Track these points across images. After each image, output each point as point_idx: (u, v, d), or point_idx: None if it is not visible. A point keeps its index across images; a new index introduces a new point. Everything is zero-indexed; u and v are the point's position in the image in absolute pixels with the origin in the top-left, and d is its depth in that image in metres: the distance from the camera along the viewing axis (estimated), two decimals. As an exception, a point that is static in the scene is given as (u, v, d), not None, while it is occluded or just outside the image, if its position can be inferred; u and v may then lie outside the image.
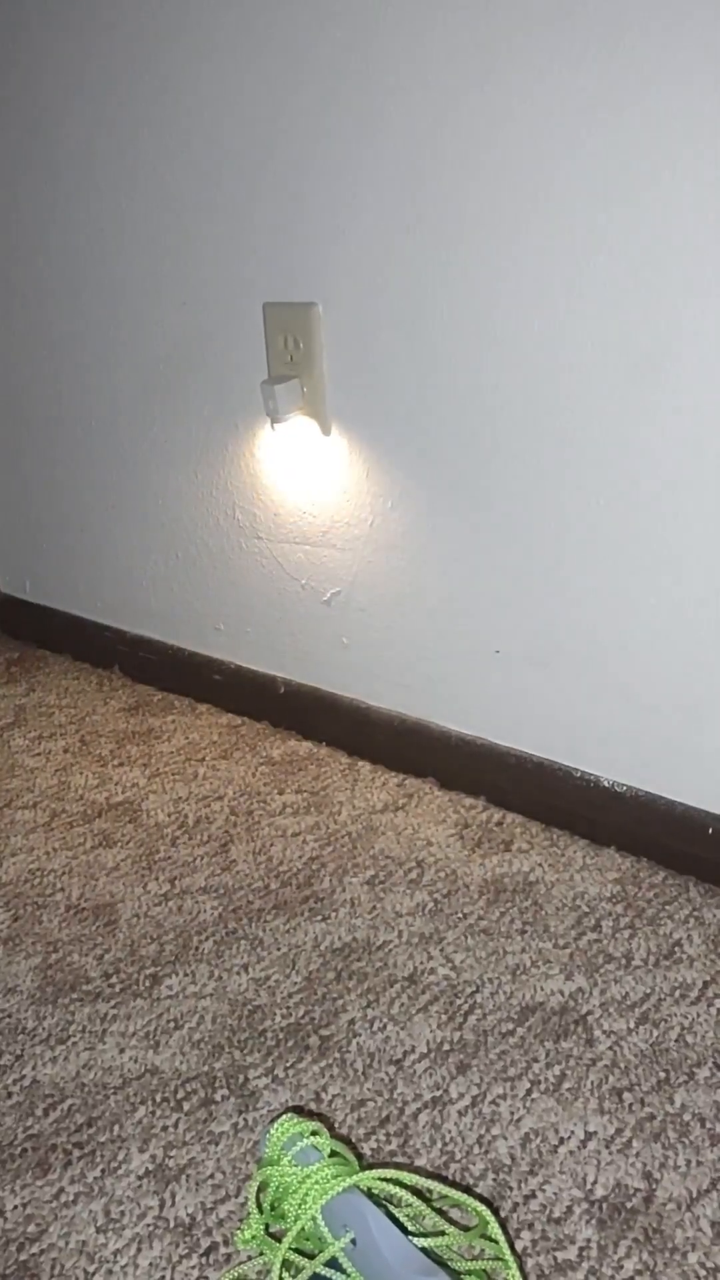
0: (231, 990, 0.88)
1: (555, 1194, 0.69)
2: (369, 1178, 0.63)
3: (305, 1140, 0.65)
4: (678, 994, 0.85)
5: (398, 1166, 0.71)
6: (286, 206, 1.12)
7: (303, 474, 1.21)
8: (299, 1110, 0.76)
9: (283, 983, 0.89)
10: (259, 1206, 0.66)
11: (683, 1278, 0.63)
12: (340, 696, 1.25)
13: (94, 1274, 0.65)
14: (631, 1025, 0.82)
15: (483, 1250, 0.64)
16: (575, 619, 1.02)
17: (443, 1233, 0.64)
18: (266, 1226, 0.66)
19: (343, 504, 1.18)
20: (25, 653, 1.62)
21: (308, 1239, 0.63)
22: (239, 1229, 0.66)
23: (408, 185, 1.02)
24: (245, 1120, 0.75)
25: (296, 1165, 0.64)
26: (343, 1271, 0.60)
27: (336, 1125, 0.75)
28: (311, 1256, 0.62)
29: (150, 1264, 0.65)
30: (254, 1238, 0.65)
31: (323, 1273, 0.61)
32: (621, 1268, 0.64)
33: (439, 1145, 0.73)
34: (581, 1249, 0.65)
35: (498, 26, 0.92)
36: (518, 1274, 0.61)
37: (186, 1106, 0.77)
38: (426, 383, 1.07)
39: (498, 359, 1.01)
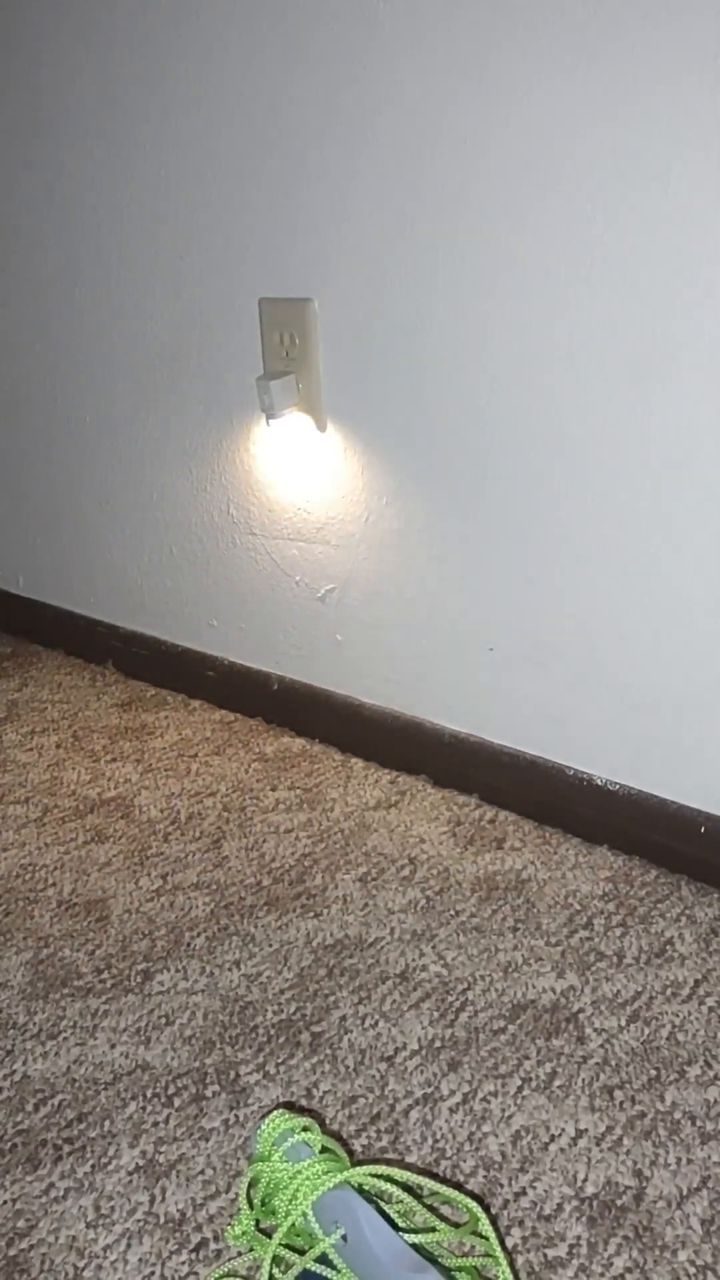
0: (223, 986, 0.88)
1: (546, 1191, 0.69)
2: (360, 1174, 0.63)
3: (296, 1136, 0.65)
4: (669, 992, 0.85)
5: (389, 1163, 0.71)
6: (283, 202, 1.12)
7: (298, 470, 1.21)
8: (290, 1106, 0.76)
9: (274, 979, 0.89)
10: (249, 1202, 0.66)
11: (672, 1275, 0.63)
12: (334, 693, 1.25)
13: (84, 1269, 0.65)
14: (623, 1023, 0.82)
15: (473, 1247, 0.64)
16: (569, 617, 1.02)
17: (433, 1229, 0.64)
18: (257, 1222, 0.65)
19: (338, 500, 1.18)
20: (18, 648, 1.62)
21: (298, 1235, 0.63)
22: (229, 1225, 0.66)
23: (405, 181, 1.02)
24: (236, 1116, 0.75)
25: (287, 1161, 0.64)
26: (333, 1267, 0.60)
27: (327, 1121, 0.75)
28: (302, 1252, 0.62)
29: (140, 1259, 0.65)
30: (244, 1233, 0.65)
31: (313, 1269, 0.61)
32: (611, 1265, 0.64)
33: (430, 1142, 0.73)
34: (572, 1246, 0.65)
35: (497, 21, 0.92)
36: (508, 1271, 0.61)
37: (177, 1102, 0.77)
38: (423, 379, 1.06)
39: (495, 356, 1.00)
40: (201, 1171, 0.71)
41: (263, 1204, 0.65)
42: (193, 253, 1.23)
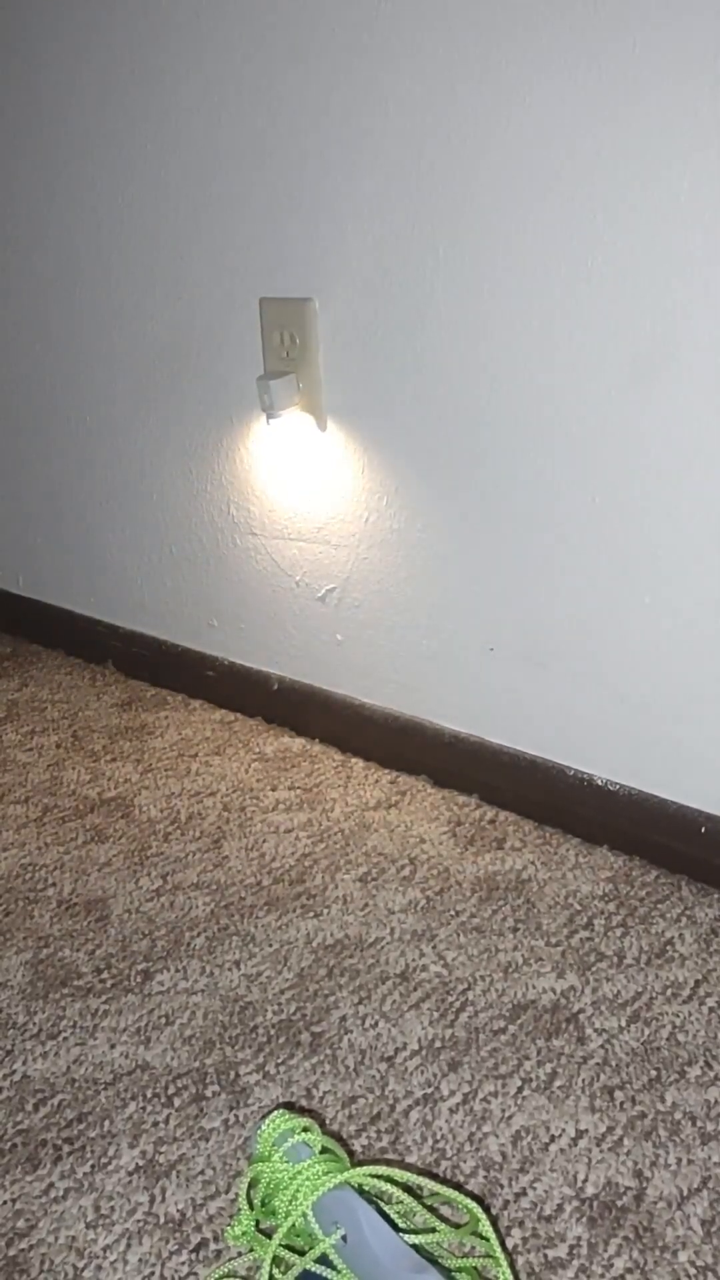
0: (223, 986, 0.88)
1: (546, 1192, 0.69)
2: (360, 1174, 0.63)
3: (296, 1136, 0.65)
4: (669, 992, 0.85)
5: (389, 1163, 0.71)
6: (283, 201, 1.12)
7: (298, 470, 1.21)
8: (290, 1106, 0.76)
9: (274, 979, 0.88)
10: (249, 1203, 0.66)
11: (673, 1276, 0.63)
12: (333, 693, 1.25)
13: (83, 1269, 0.65)
14: (623, 1023, 0.82)
15: (473, 1247, 0.64)
16: (569, 617, 1.02)
17: (434, 1230, 0.64)
18: (257, 1223, 0.65)
19: (338, 500, 1.18)
20: (18, 647, 1.62)
21: (298, 1235, 0.63)
22: (229, 1225, 0.66)
23: (406, 181, 1.02)
24: (236, 1116, 0.75)
25: (287, 1161, 0.64)
26: (333, 1268, 0.60)
27: (328, 1122, 0.75)
28: (302, 1253, 0.62)
29: (140, 1260, 0.65)
30: (244, 1234, 0.65)
31: (313, 1269, 0.61)
32: (611, 1265, 0.64)
33: (430, 1142, 0.73)
34: (572, 1247, 0.65)
35: (497, 21, 0.92)
36: (508, 1271, 0.61)
37: (177, 1102, 0.77)
38: (423, 379, 1.06)
39: (495, 356, 1.00)
40: (201, 1172, 0.71)
41: (263, 1204, 0.65)
42: (193, 252, 1.23)
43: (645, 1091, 0.76)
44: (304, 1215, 0.62)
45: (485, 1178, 0.70)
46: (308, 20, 1.04)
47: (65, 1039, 0.83)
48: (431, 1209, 0.68)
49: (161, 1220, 0.68)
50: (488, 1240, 0.62)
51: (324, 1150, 0.65)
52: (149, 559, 1.42)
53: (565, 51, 0.89)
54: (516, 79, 0.92)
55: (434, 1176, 0.70)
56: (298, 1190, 0.62)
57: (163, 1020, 0.84)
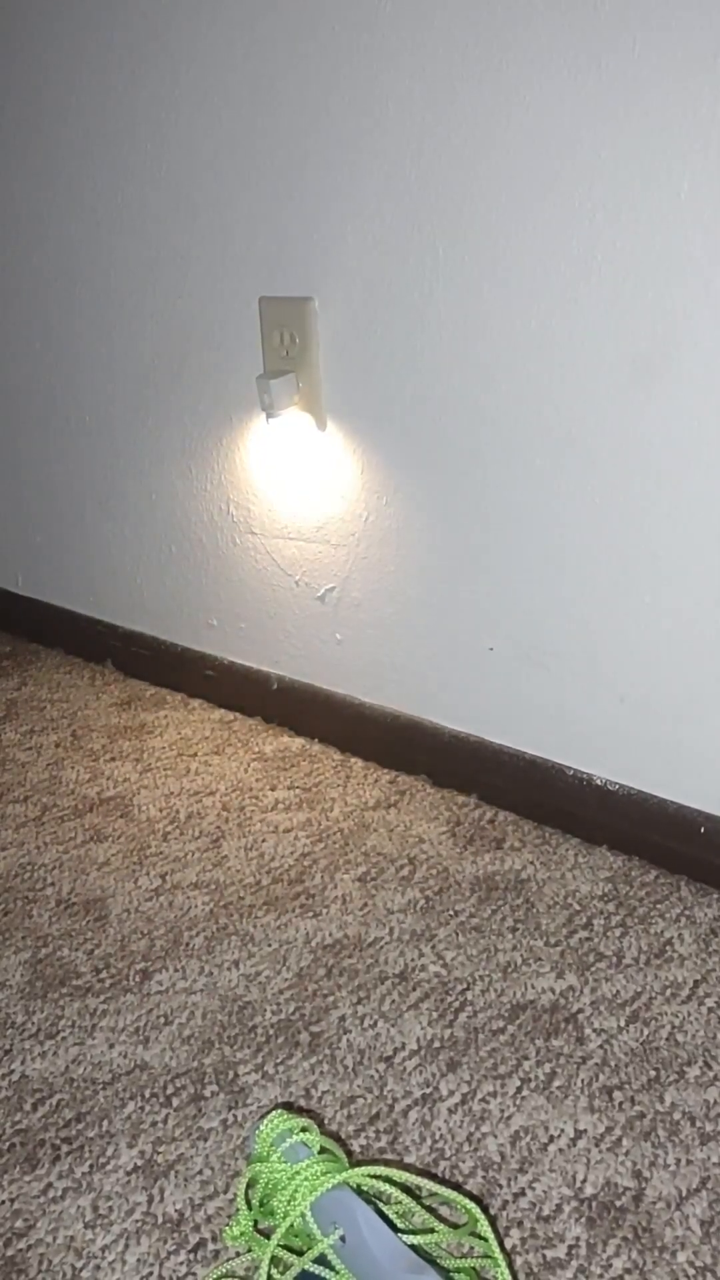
0: (222, 986, 0.88)
1: (545, 1192, 0.69)
2: (358, 1174, 0.63)
3: (295, 1137, 0.65)
4: (668, 993, 0.85)
5: (387, 1163, 0.71)
6: (283, 201, 1.12)
7: (298, 469, 1.21)
8: (289, 1106, 0.76)
9: (273, 979, 0.88)
10: (248, 1203, 0.66)
11: (671, 1276, 0.63)
12: (333, 693, 1.25)
13: (82, 1269, 0.65)
14: (622, 1024, 0.82)
15: (472, 1248, 0.64)
16: (569, 617, 1.02)
17: (432, 1230, 0.64)
18: (255, 1223, 0.65)
19: (337, 500, 1.18)
20: (17, 647, 1.62)
21: (297, 1236, 0.63)
22: (227, 1225, 0.66)
23: (406, 181, 1.02)
24: (234, 1116, 0.75)
25: (286, 1162, 0.64)
26: (332, 1268, 0.60)
27: (326, 1122, 0.75)
28: (300, 1253, 0.62)
29: (138, 1260, 0.65)
30: (243, 1234, 0.65)
31: (311, 1270, 0.60)
32: (610, 1266, 0.64)
33: (429, 1142, 0.73)
34: (570, 1247, 0.65)
35: (498, 20, 0.92)
36: (506, 1272, 0.61)
37: (176, 1102, 0.77)
38: (423, 378, 1.06)
39: (495, 355, 1.00)
40: (200, 1172, 0.71)
41: (261, 1204, 0.65)
42: (193, 251, 1.22)
43: (644, 1092, 0.76)
44: (302, 1215, 0.62)
45: (484, 1178, 0.70)
46: (308, 20, 1.04)
47: (64, 1039, 0.83)
48: (430, 1209, 0.68)
49: (160, 1220, 0.68)
50: (486, 1241, 0.62)
51: (322, 1150, 0.65)
52: (148, 558, 1.42)
53: (565, 51, 0.89)
54: (516, 79, 0.92)
55: (433, 1177, 0.70)
56: (296, 1190, 0.62)
57: (161, 1020, 0.84)
